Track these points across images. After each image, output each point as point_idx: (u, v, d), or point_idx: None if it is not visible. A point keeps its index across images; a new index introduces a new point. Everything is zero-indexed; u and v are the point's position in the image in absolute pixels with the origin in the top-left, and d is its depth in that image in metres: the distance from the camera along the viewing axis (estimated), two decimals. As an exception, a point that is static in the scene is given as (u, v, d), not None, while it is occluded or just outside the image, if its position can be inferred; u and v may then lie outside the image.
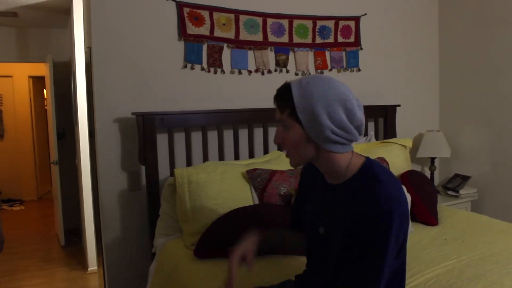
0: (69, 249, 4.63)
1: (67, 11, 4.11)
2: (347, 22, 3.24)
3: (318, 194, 1.38)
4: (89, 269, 3.94)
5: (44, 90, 6.73)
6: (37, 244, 4.90)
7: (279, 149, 2.86)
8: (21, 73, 6.59)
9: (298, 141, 1.25)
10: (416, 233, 2.37)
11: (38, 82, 6.80)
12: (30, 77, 6.72)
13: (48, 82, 4.53)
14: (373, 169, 1.24)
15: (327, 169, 1.30)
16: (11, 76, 6.61)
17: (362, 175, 1.24)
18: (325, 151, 1.25)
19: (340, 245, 1.25)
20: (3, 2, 4.01)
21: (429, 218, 2.53)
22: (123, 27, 2.57)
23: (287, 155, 1.32)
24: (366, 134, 3.29)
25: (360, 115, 1.24)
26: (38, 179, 7.03)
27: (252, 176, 2.44)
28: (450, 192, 3.47)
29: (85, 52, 2.86)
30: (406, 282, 1.73)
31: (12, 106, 6.79)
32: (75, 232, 4.90)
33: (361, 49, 3.33)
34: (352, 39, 3.28)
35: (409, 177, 2.74)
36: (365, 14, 3.34)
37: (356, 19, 3.29)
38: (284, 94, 1.26)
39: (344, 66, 3.25)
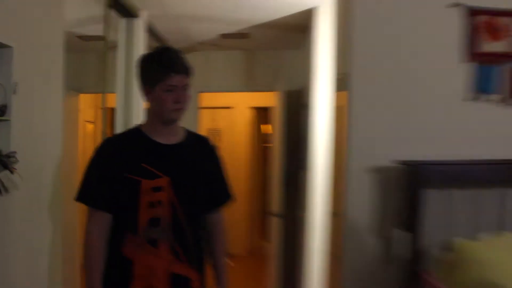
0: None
1: (305, 29, 4.34)
2: None
3: None
4: None
5: (262, 124, 7.24)
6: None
7: None
8: (243, 103, 7.25)
9: None
10: None
11: (257, 114, 7.38)
12: (251, 108, 7.34)
13: (277, 115, 4.82)
14: None
15: None
16: (231, 107, 7.33)
17: None
18: None
19: None
20: (234, 22, 4.47)
21: None
22: (390, 47, 2.61)
23: None
24: None
25: None
26: (251, 231, 7.53)
27: None
28: None
29: (337, 80, 2.92)
30: None
31: (230, 142, 7.45)
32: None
33: None
34: None
35: None
36: None
37: None
38: None
39: None
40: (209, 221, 2.28)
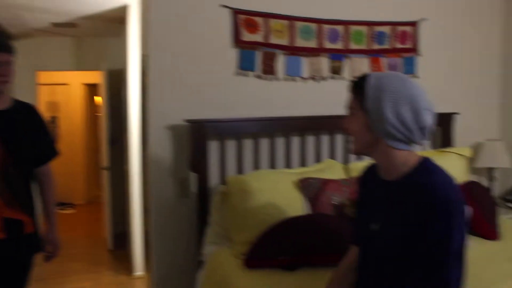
0: (116, 253, 4.70)
1: (122, 20, 4.21)
2: (404, 28, 3.15)
3: (374, 191, 1.43)
4: (134, 274, 3.98)
5: (95, 97, 6.92)
6: (86, 247, 5.02)
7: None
8: (76, 80, 6.83)
9: (361, 128, 1.31)
10: (475, 248, 2.20)
11: (89, 89, 7.02)
12: (84, 84, 6.95)
13: (103, 89, 4.64)
14: (428, 165, 1.30)
15: (383, 163, 1.35)
16: (67, 84, 6.86)
17: (418, 171, 1.28)
18: (383, 144, 1.30)
19: (398, 240, 1.27)
20: (63, 13, 4.17)
21: (489, 231, 2.39)
22: (179, 34, 2.60)
23: (351, 142, 1.40)
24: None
25: (427, 118, 1.27)
26: (87, 183, 7.22)
27: (304, 185, 2.40)
28: (510, 205, 3.31)
29: (142, 60, 2.89)
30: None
31: (67, 112, 7.02)
32: (122, 236, 4.97)
33: (419, 55, 3.22)
34: (409, 45, 3.17)
35: (467, 188, 2.61)
36: (424, 19, 3.22)
37: (415, 25, 3.19)
38: (360, 82, 1.32)
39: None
40: (38, 173, 2.16)
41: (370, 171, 1.49)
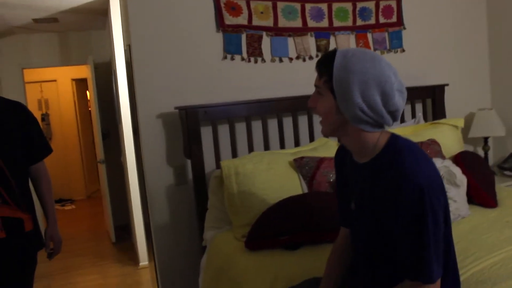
0: (120, 246, 4.75)
1: (105, 12, 4.18)
2: (388, 2, 3.13)
3: (349, 172, 1.39)
4: (140, 264, 4.03)
5: (87, 92, 6.89)
6: (89, 241, 5.06)
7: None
8: (65, 76, 6.79)
9: (329, 110, 1.24)
10: (475, 216, 2.26)
11: (81, 84, 6.98)
12: (73, 79, 6.91)
13: (91, 83, 4.63)
14: (398, 144, 1.23)
15: (354, 146, 1.29)
16: (55, 80, 6.83)
17: (387, 152, 1.23)
18: (353, 127, 1.23)
19: (369, 222, 1.25)
20: (43, 9, 4.13)
21: (487, 200, 2.41)
22: (161, 22, 2.58)
23: (320, 122, 1.33)
24: (414, 116, 3.19)
25: (398, 100, 1.20)
26: (87, 178, 7.24)
27: (299, 165, 2.42)
28: (506, 172, 3.34)
29: (125, 50, 2.87)
30: (468, 267, 1.68)
31: (58, 109, 7.01)
32: (125, 228, 5.01)
33: (404, 28, 3.21)
34: (394, 19, 3.16)
35: (462, 158, 2.63)
36: (407, -8, 3.22)
37: (398, -2, 3.18)
38: (326, 60, 1.23)
39: (388, 48, 3.14)
40: (33, 171, 2.17)
41: (344, 151, 1.43)
